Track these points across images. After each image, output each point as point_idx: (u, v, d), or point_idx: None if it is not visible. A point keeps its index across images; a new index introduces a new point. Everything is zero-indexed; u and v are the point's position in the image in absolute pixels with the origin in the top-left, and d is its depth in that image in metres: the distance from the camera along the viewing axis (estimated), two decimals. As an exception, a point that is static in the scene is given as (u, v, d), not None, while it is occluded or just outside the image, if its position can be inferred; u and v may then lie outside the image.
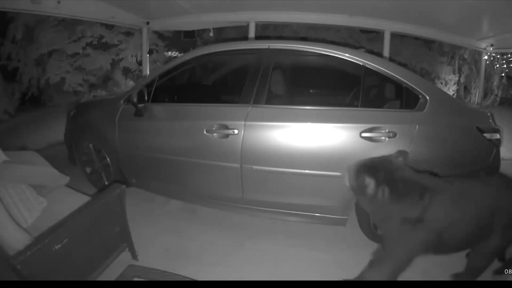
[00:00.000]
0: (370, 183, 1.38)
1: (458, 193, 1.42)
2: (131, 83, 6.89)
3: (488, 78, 7.34)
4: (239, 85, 2.11)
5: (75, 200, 1.67)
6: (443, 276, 1.64)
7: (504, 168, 1.95)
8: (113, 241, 1.68)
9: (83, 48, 6.79)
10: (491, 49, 4.73)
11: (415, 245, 1.39)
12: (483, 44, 4.70)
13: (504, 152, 1.99)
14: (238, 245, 2.00)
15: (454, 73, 7.86)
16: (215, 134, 2.00)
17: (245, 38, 4.46)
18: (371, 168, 1.42)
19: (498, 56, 7.39)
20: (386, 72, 1.93)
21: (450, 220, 1.37)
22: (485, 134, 1.85)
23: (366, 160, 1.49)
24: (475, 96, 7.27)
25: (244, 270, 1.77)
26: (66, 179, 1.87)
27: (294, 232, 2.13)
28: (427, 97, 1.86)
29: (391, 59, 4.14)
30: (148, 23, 4.65)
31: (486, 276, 1.56)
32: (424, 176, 1.44)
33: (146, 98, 2.20)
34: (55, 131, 3.62)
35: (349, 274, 1.49)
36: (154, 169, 2.30)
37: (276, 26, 7.32)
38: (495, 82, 7.77)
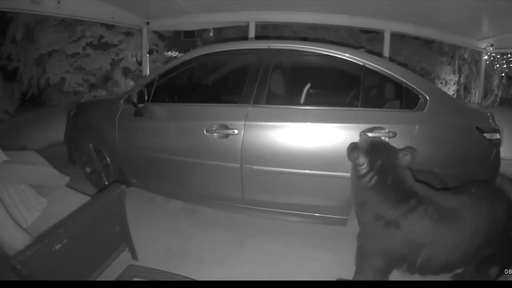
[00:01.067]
0: (364, 163, 1.38)
1: (448, 212, 1.35)
2: (131, 83, 6.89)
3: (488, 78, 7.33)
4: (239, 85, 2.11)
5: (75, 200, 1.67)
6: (443, 276, 1.64)
7: (504, 168, 1.95)
8: (113, 241, 1.68)
9: (83, 48, 6.79)
10: (491, 49, 4.73)
11: (384, 247, 1.36)
12: (483, 44, 4.70)
13: (504, 152, 1.99)
14: (238, 245, 2.00)
15: (454, 73, 7.86)
16: (215, 134, 2.00)
17: (245, 38, 4.45)
18: (375, 150, 1.41)
19: (498, 56, 7.38)
20: (386, 72, 1.93)
21: (433, 237, 1.32)
22: (485, 134, 1.85)
23: (376, 140, 1.50)
24: (475, 96, 7.27)
25: (244, 270, 1.76)
26: (66, 179, 1.87)
27: (294, 232, 2.13)
28: (427, 97, 1.86)
29: (391, 59, 4.14)
30: (148, 23, 4.65)
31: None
32: (419, 185, 1.41)
33: (146, 98, 2.20)
34: (55, 131, 3.62)
35: (349, 274, 1.49)
36: (154, 169, 2.30)
37: (276, 26, 7.32)
38: (495, 82, 7.77)
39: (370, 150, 1.41)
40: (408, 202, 1.33)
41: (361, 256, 1.43)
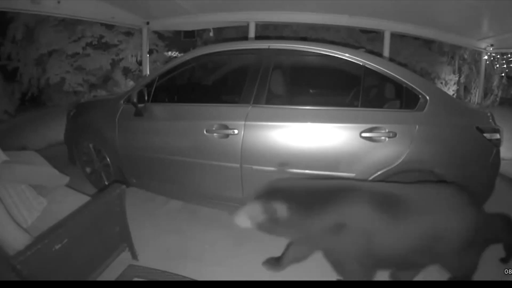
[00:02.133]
0: (279, 208, 1.33)
1: (390, 198, 1.34)
2: (131, 83, 6.89)
3: (488, 78, 7.33)
4: (239, 85, 2.11)
5: (75, 200, 1.68)
6: (444, 276, 1.64)
7: (504, 168, 1.95)
8: (113, 241, 1.68)
9: (83, 48, 6.79)
10: (491, 49, 4.72)
11: (351, 252, 1.34)
12: (483, 44, 4.70)
13: (504, 152, 1.99)
14: (238, 245, 2.00)
15: (454, 73, 7.86)
16: (215, 134, 2.00)
17: (245, 38, 4.45)
18: (271, 194, 1.39)
19: (498, 56, 7.38)
20: (386, 72, 1.93)
21: (377, 224, 1.30)
22: (485, 134, 1.86)
23: (260, 194, 1.44)
24: (475, 96, 7.27)
25: (244, 270, 1.77)
26: (66, 179, 1.87)
27: (294, 232, 2.13)
28: (427, 97, 1.86)
29: (391, 59, 4.14)
30: (148, 23, 4.64)
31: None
32: (328, 180, 1.42)
33: (146, 98, 2.20)
34: (55, 131, 3.62)
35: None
36: (154, 169, 2.29)
37: (276, 26, 7.31)
38: (495, 82, 7.76)
39: (269, 197, 1.39)
40: (331, 198, 1.33)
41: (341, 272, 1.43)
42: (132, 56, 7.16)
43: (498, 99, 7.84)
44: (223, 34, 8.05)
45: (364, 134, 1.81)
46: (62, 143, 2.96)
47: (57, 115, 4.75)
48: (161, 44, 7.57)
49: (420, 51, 7.51)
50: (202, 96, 2.74)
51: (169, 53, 8.91)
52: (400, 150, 1.80)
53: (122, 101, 2.38)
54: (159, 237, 2.06)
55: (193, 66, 2.61)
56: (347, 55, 1.98)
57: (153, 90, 2.26)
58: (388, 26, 4.27)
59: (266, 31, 7.21)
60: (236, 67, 2.86)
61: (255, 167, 1.95)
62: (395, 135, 1.80)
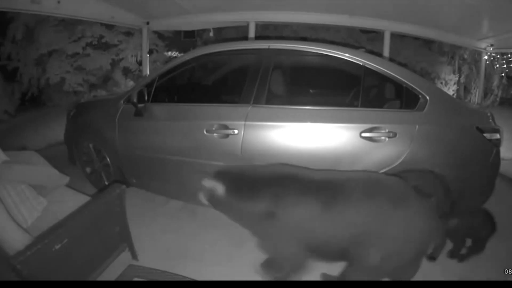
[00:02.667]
0: (217, 187, 1.43)
1: (323, 187, 1.35)
2: (131, 83, 6.89)
3: (488, 78, 7.34)
4: (239, 85, 2.11)
5: (75, 200, 1.68)
6: (443, 276, 1.64)
7: (504, 168, 1.94)
8: (113, 241, 1.68)
9: (83, 48, 6.80)
10: (491, 49, 4.73)
11: (279, 241, 1.36)
12: (483, 44, 4.71)
13: (504, 152, 1.99)
14: (238, 245, 2.00)
15: (454, 73, 7.86)
16: (215, 134, 2.00)
17: (245, 38, 4.46)
18: (214, 176, 1.49)
19: (498, 56, 7.39)
20: (386, 72, 1.93)
21: (308, 213, 1.31)
22: (485, 134, 1.86)
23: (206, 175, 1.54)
24: (475, 96, 7.27)
25: (244, 270, 1.76)
26: (66, 179, 1.87)
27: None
28: (427, 97, 1.86)
29: (391, 59, 4.14)
30: (148, 23, 4.65)
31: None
32: (260, 167, 1.48)
33: (146, 98, 2.20)
34: (55, 131, 3.62)
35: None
36: (154, 169, 2.29)
37: (276, 26, 7.32)
38: (495, 82, 7.77)
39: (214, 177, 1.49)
40: (262, 186, 1.38)
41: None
42: (132, 56, 7.16)
43: (498, 99, 7.85)
44: (223, 34, 8.05)
45: (364, 134, 1.81)
46: (62, 143, 2.96)
47: (57, 115, 4.75)
48: (161, 44, 7.58)
49: (420, 51, 7.52)
50: (202, 96, 2.73)
51: (169, 53, 8.92)
52: (400, 150, 1.80)
53: (122, 101, 2.38)
54: (159, 237, 2.06)
55: (193, 66, 2.61)
56: (347, 55, 1.98)
57: (153, 90, 2.26)
58: (388, 26, 4.27)
59: (266, 31, 7.22)
60: (236, 67, 2.86)
61: (255, 167, 1.95)
62: (395, 135, 1.80)
